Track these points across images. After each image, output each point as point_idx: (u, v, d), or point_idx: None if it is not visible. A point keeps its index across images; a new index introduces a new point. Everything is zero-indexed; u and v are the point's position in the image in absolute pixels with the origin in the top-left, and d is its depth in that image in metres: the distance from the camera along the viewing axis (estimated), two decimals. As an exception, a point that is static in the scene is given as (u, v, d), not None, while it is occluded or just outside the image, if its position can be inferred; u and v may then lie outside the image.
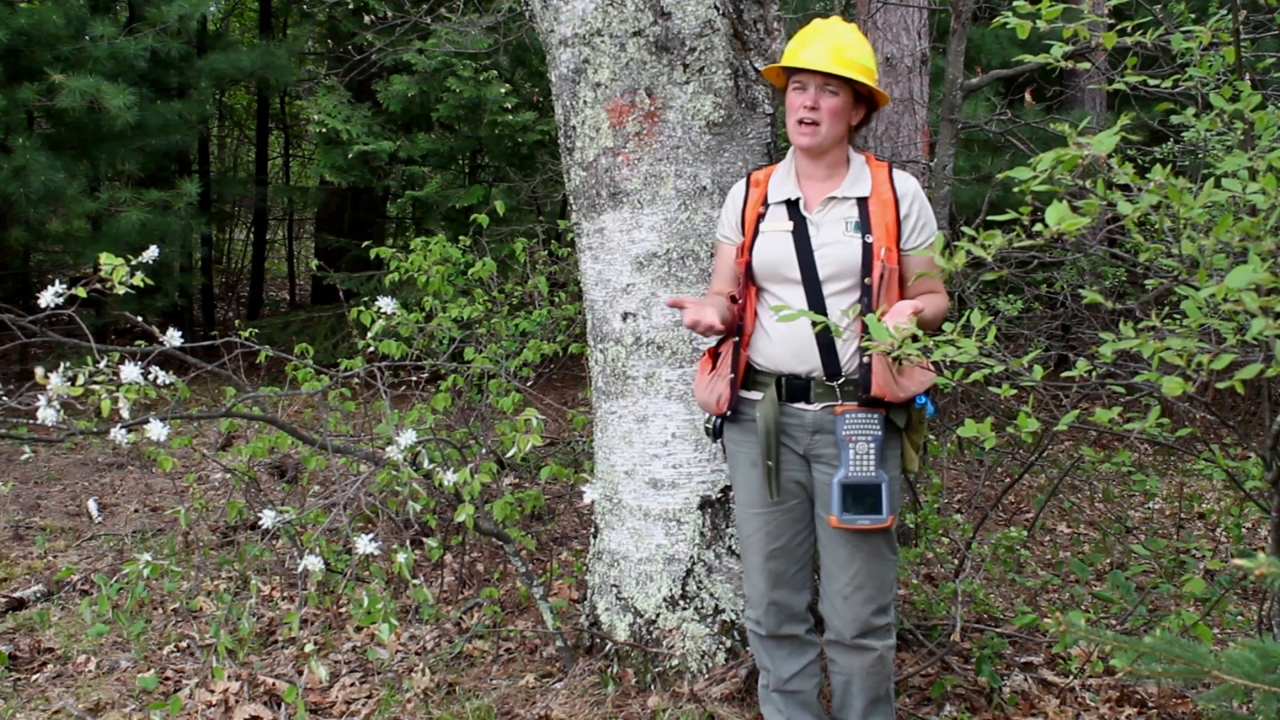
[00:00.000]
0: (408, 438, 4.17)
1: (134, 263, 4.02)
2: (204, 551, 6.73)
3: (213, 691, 4.85)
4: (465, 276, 7.19)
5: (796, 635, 3.88)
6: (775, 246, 3.68)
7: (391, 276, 7.55)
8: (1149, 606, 5.29)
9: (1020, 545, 6.30)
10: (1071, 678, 4.72)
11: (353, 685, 4.94)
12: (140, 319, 4.32)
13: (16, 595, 6.00)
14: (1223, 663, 2.14)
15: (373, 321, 5.60)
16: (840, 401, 3.63)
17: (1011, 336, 8.12)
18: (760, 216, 3.75)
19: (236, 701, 4.81)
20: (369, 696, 4.83)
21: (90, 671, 5.12)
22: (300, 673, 4.98)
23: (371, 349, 5.83)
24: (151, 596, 5.86)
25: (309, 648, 4.12)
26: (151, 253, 4.07)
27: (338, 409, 6.52)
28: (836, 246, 3.62)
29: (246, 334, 4.98)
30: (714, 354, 3.86)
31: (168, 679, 5.03)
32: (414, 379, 6.23)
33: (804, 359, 3.64)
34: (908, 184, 3.70)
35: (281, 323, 15.00)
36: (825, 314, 3.58)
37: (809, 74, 3.60)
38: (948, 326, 2.90)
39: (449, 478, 4.16)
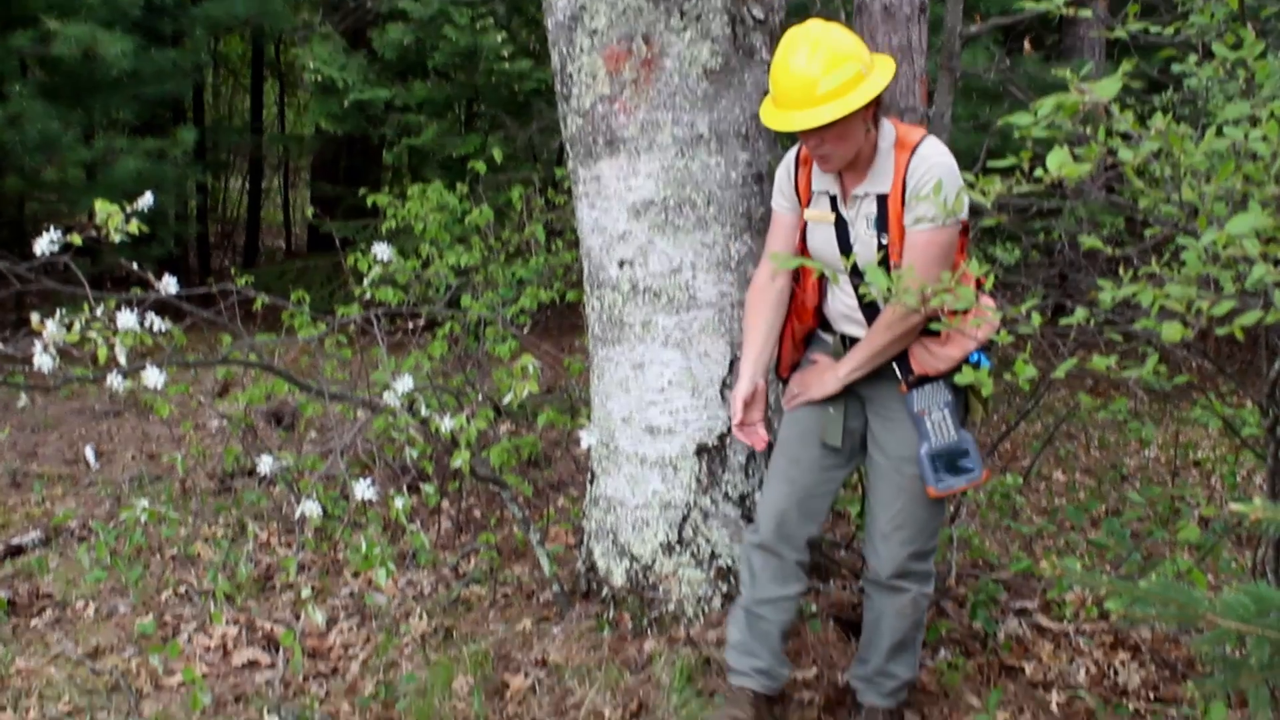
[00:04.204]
0: (404, 383, 4.17)
1: (129, 210, 4.01)
2: (201, 498, 6.74)
3: (211, 636, 4.88)
4: (462, 224, 7.17)
5: (785, 556, 3.85)
6: (822, 239, 3.72)
7: (388, 224, 7.53)
8: (1144, 553, 5.32)
9: (1016, 492, 6.32)
10: (1066, 623, 4.74)
11: (350, 630, 4.96)
12: (135, 266, 4.31)
13: (15, 542, 6.02)
14: (1217, 607, 2.15)
15: (369, 269, 5.59)
16: (900, 379, 3.69)
17: (1009, 285, 8.12)
18: (809, 200, 3.75)
19: (235, 646, 4.83)
20: (366, 641, 4.86)
21: (89, 617, 5.14)
22: (298, 617, 4.99)
23: (368, 296, 5.82)
24: (149, 542, 5.87)
25: (306, 593, 4.14)
26: (146, 199, 4.04)
27: (334, 356, 6.52)
28: (862, 244, 3.62)
29: (243, 281, 4.97)
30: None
31: (166, 624, 5.05)
32: (410, 326, 6.22)
33: (859, 326, 3.74)
34: (920, 165, 3.50)
35: (278, 271, 14.99)
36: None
37: None
38: (945, 275, 2.90)
39: (446, 423, 4.16)
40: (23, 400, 4.46)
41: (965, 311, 3.59)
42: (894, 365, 3.69)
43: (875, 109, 3.52)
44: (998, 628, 4.63)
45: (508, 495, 4.94)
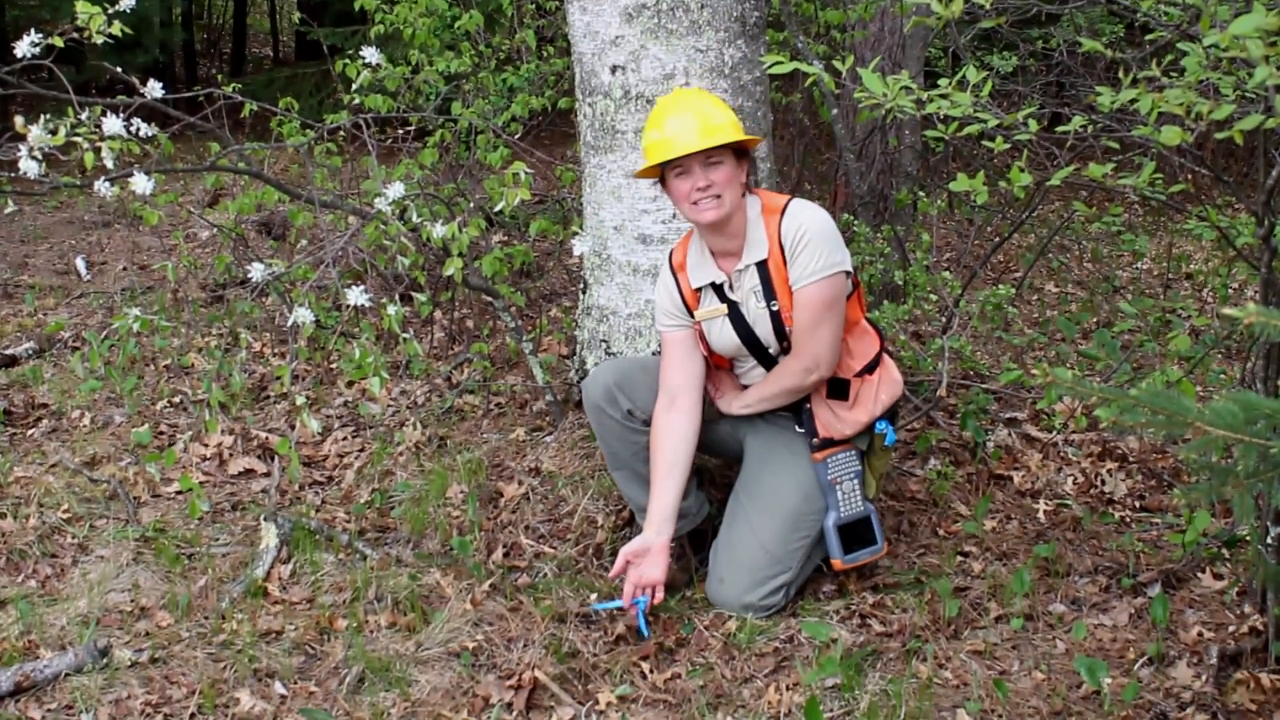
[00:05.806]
0: (395, 190, 4.13)
1: (110, 11, 3.92)
2: (194, 308, 6.75)
3: (207, 445, 4.92)
4: (451, 30, 7.04)
5: (616, 417, 3.83)
6: (720, 335, 3.70)
7: (376, 29, 7.39)
8: (1134, 364, 5.34)
9: (1008, 303, 6.33)
10: (1054, 433, 4.79)
11: (345, 439, 5.01)
12: (120, 71, 4.24)
13: (9, 352, 6.04)
14: (1206, 415, 2.15)
15: (358, 74, 5.50)
16: (810, 446, 3.73)
17: (1005, 94, 8.02)
18: (697, 302, 3.73)
19: (231, 455, 4.88)
20: (361, 450, 4.91)
21: (85, 426, 5.18)
22: (293, 427, 5.04)
23: (357, 103, 5.74)
24: (143, 353, 5.89)
25: (300, 401, 4.15)
26: (128, 0, 3.96)
27: (324, 164, 6.46)
28: (758, 321, 3.63)
29: (230, 88, 4.88)
30: None
31: (162, 433, 5.10)
32: (401, 133, 6.15)
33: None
34: (791, 224, 3.55)
35: (265, 79, 14.75)
36: None
37: (689, 156, 3.45)
38: (943, 82, 2.85)
39: (438, 231, 4.13)
40: (10, 206, 4.43)
41: (871, 371, 3.75)
42: (802, 429, 3.76)
43: (746, 179, 3.61)
44: (987, 437, 4.68)
45: (500, 305, 4.94)
